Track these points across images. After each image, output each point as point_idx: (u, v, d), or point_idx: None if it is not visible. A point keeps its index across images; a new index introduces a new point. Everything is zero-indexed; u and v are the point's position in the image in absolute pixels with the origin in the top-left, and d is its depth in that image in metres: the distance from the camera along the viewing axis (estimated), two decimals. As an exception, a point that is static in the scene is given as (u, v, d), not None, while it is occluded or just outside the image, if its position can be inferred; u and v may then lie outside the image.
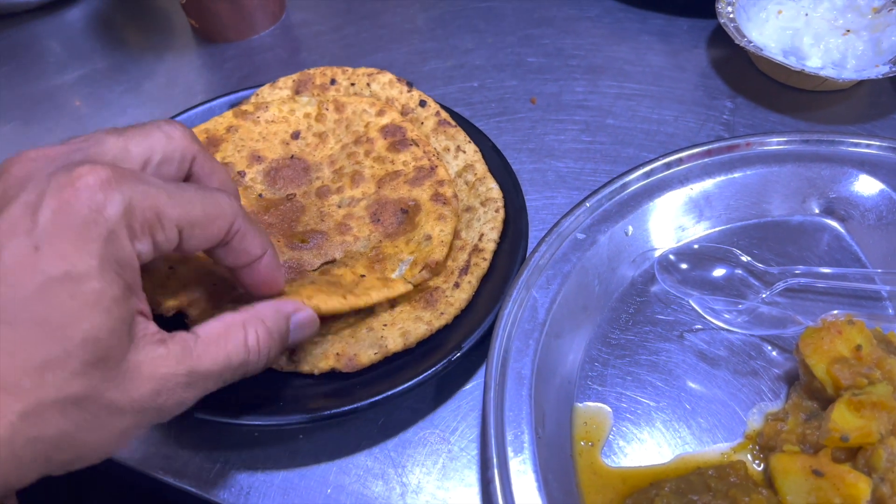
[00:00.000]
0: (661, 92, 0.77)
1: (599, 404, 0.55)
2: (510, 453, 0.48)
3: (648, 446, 0.52)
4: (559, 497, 0.48)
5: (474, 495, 0.51)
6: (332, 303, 0.48)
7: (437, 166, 0.64)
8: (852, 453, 0.48)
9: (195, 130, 0.67)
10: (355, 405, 0.49)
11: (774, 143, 0.65)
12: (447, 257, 0.58)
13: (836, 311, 0.55)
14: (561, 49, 0.83)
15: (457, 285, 0.56)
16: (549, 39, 0.84)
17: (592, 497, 0.50)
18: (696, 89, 0.77)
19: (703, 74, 0.79)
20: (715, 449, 0.52)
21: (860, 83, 0.76)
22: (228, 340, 0.40)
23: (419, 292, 0.56)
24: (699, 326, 0.58)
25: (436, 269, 0.56)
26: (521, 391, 0.52)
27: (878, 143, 0.64)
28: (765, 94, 0.76)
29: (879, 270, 0.59)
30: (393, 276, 0.55)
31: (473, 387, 0.56)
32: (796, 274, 0.59)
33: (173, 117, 0.70)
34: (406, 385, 0.49)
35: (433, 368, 0.50)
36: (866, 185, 0.63)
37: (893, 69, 0.69)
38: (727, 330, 0.58)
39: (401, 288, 0.54)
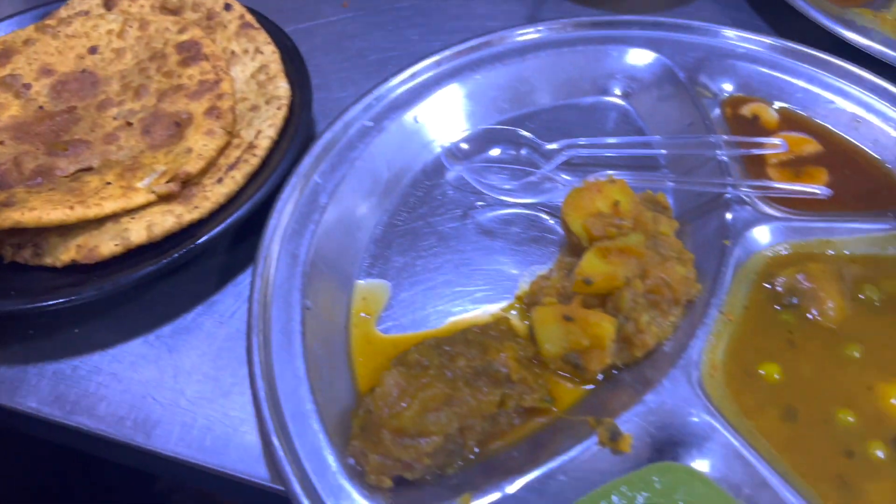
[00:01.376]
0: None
1: (380, 280, 0.56)
2: (273, 325, 0.49)
3: (425, 314, 0.54)
4: (325, 362, 0.49)
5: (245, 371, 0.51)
6: (57, 214, 0.48)
7: (221, 80, 0.63)
8: (602, 299, 0.50)
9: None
10: (82, 294, 0.49)
11: (565, 30, 0.66)
12: (207, 169, 0.57)
13: (608, 173, 0.57)
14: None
15: (220, 181, 0.56)
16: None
17: (365, 362, 0.51)
18: (507, -11, 0.79)
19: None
20: (487, 311, 0.54)
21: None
22: None
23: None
24: (481, 203, 0.59)
25: (187, 180, 0.56)
26: (293, 269, 0.53)
27: (661, 22, 0.66)
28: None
29: (657, 137, 0.61)
30: (140, 185, 0.55)
31: (257, 272, 0.57)
32: (574, 146, 0.60)
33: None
34: (141, 274, 0.50)
35: (171, 257, 0.51)
36: (648, 63, 0.65)
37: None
38: (507, 204, 0.59)
39: (140, 199, 0.53)
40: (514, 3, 0.77)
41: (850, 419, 0.46)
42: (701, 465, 0.45)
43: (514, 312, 0.53)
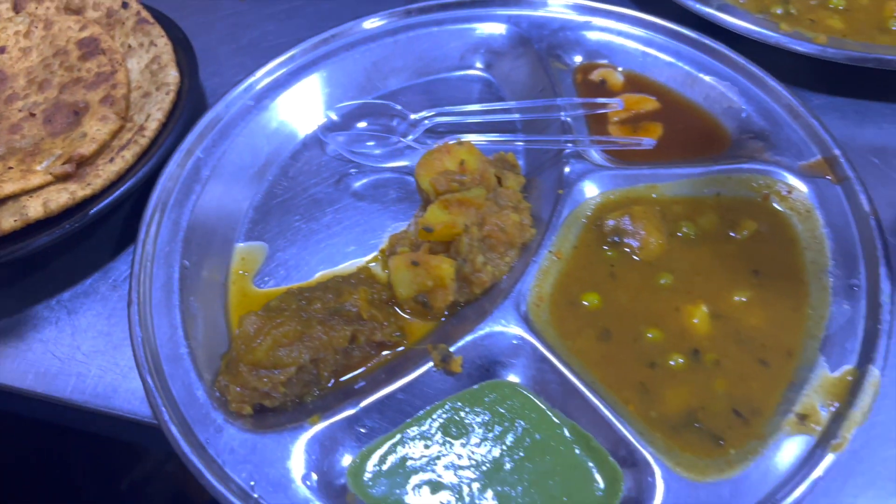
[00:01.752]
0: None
1: (258, 242, 0.62)
2: (154, 282, 0.55)
3: (299, 270, 0.60)
4: (202, 314, 0.56)
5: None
6: None
7: (117, 71, 0.69)
8: (447, 246, 0.57)
9: None
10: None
11: (436, 8, 0.73)
12: (100, 151, 0.63)
13: (460, 137, 0.63)
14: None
15: (111, 160, 0.62)
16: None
17: (241, 313, 0.57)
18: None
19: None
20: (354, 264, 0.60)
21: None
22: None
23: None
24: (355, 170, 0.66)
25: (81, 161, 0.61)
26: (175, 234, 0.59)
27: (523, 0, 0.72)
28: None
29: (513, 103, 0.67)
30: (38, 168, 0.61)
31: (151, 242, 0.63)
32: (438, 115, 0.67)
33: None
34: (37, 243, 0.55)
35: (63, 228, 0.56)
36: (508, 37, 0.72)
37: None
38: (378, 169, 0.65)
39: (37, 180, 0.59)
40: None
41: (656, 336, 0.53)
42: (523, 380, 0.51)
43: (376, 264, 0.60)
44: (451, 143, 0.61)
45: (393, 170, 0.65)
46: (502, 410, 0.50)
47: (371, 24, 0.71)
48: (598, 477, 0.47)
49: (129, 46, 0.73)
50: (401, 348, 0.55)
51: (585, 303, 0.55)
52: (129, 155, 0.63)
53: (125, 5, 0.76)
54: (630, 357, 0.52)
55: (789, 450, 0.46)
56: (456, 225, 0.56)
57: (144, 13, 0.75)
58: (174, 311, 0.54)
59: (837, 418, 0.47)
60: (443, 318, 0.56)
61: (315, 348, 0.51)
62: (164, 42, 0.72)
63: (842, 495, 0.48)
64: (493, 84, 0.72)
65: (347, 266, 0.60)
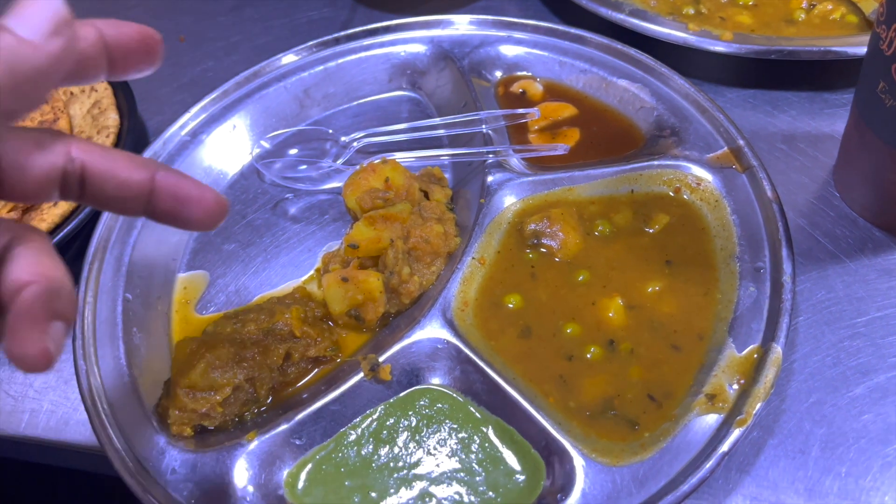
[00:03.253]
0: (293, 10, 0.88)
1: (200, 271, 0.64)
2: (98, 316, 0.58)
3: (239, 295, 0.63)
4: (145, 343, 0.58)
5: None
6: None
7: (59, 118, 0.72)
8: (375, 261, 0.59)
9: None
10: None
11: (362, 35, 0.76)
12: None
13: (385, 155, 0.66)
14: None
15: (55, 204, 0.64)
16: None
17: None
18: (324, 7, 0.88)
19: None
20: (291, 285, 0.63)
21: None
22: None
23: None
24: (290, 196, 0.69)
25: (26, 207, 0.64)
26: (118, 271, 0.61)
27: (440, 20, 0.75)
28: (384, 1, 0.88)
29: (437, 119, 0.71)
30: None
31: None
32: (366, 136, 0.70)
33: None
34: None
35: None
36: (431, 57, 0.75)
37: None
38: (313, 193, 0.68)
39: None
40: (330, 11, 0.87)
41: (574, 330, 0.55)
42: (450, 382, 0.54)
43: (312, 283, 0.62)
44: (375, 162, 0.64)
45: (327, 192, 0.68)
46: (431, 413, 0.53)
47: (300, 54, 0.75)
48: (520, 469, 0.50)
49: (72, 93, 0.76)
50: (338, 361, 0.57)
51: (509, 304, 0.58)
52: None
53: (66, 54, 0.79)
54: (549, 351, 0.55)
55: (699, 428, 0.49)
56: (381, 239, 0.59)
57: (85, 60, 0.78)
58: (117, 342, 0.57)
59: (743, 395, 0.49)
60: (376, 330, 0.59)
61: (250, 368, 0.54)
62: (105, 87, 0.75)
63: (754, 468, 0.50)
64: (420, 102, 0.75)
65: (285, 287, 0.62)
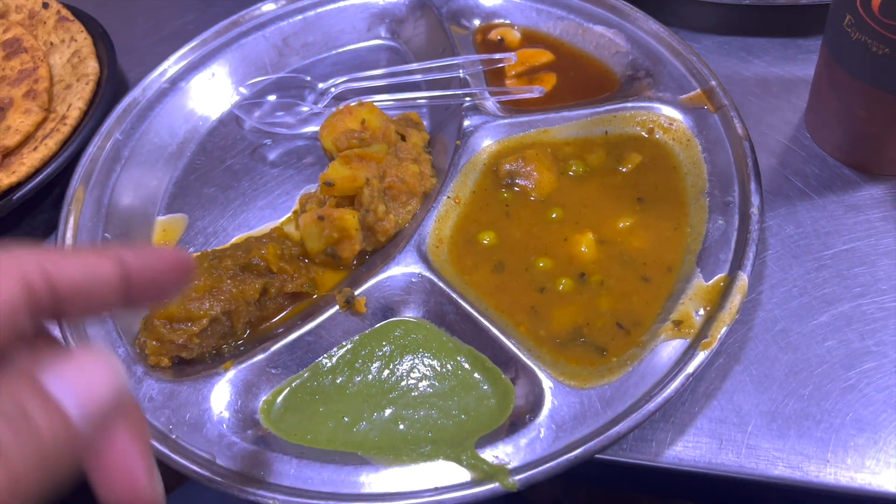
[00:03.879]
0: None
1: (179, 214, 0.65)
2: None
3: (217, 237, 0.63)
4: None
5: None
6: None
7: (38, 67, 0.73)
8: (351, 200, 0.60)
9: None
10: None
11: (342, -14, 0.76)
12: (25, 140, 0.66)
13: (362, 98, 0.66)
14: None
15: (35, 149, 0.65)
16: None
17: (163, 280, 0.60)
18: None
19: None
20: (268, 226, 0.63)
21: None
22: None
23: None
24: (269, 141, 0.69)
25: (6, 152, 0.65)
26: (98, 212, 0.62)
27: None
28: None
29: (414, 65, 0.71)
30: None
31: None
32: (344, 81, 0.70)
33: None
34: None
35: None
36: (408, 5, 0.75)
37: None
38: (291, 138, 0.69)
39: None
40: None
41: (547, 265, 0.56)
42: (424, 314, 0.55)
43: (290, 225, 0.63)
44: (352, 104, 0.65)
45: (305, 137, 0.69)
46: (405, 343, 0.54)
47: (279, 3, 0.75)
48: (492, 393, 0.51)
49: (52, 44, 0.76)
50: (315, 297, 0.58)
51: (483, 241, 0.58)
52: (51, 143, 0.66)
53: (45, 5, 0.79)
54: (522, 285, 0.56)
55: (665, 353, 0.50)
56: (356, 178, 0.59)
57: (64, 11, 0.78)
58: (96, 279, 0.57)
59: (709, 321, 0.50)
60: (352, 268, 0.59)
61: (226, 301, 0.54)
62: (84, 37, 0.75)
63: (720, 392, 0.51)
64: (399, 51, 0.75)
65: (263, 229, 0.63)
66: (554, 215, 0.59)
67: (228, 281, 0.55)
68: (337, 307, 0.55)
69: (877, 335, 0.53)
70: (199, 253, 0.60)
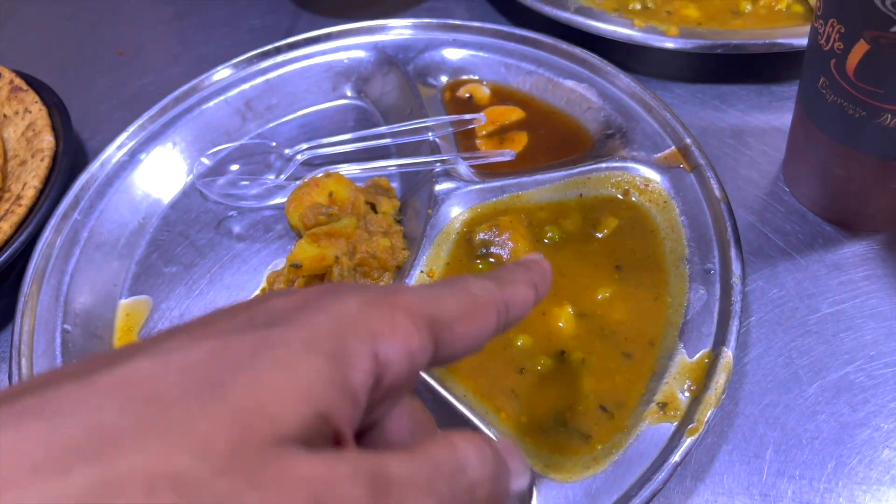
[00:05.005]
0: (235, 17, 0.86)
1: (143, 296, 0.63)
2: (35, 350, 0.56)
3: (183, 319, 0.61)
4: (85, 376, 0.56)
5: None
6: None
7: (-9, 143, 0.70)
8: (321, 279, 0.58)
9: None
10: None
11: (304, 43, 0.74)
12: None
13: (327, 168, 0.64)
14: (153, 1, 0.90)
15: (-10, 227, 0.62)
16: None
17: (127, 371, 0.58)
18: (266, 14, 0.86)
19: (274, -1, 0.88)
20: (236, 306, 0.61)
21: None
22: None
23: None
24: (233, 213, 0.67)
25: None
26: (56, 300, 0.59)
27: (383, 25, 0.74)
28: (325, 4, 0.86)
29: (383, 128, 0.69)
30: None
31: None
32: (310, 147, 0.68)
33: None
34: None
35: None
36: (375, 63, 0.73)
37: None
38: (256, 210, 0.66)
39: None
40: (273, 18, 0.85)
41: (525, 342, 0.54)
42: (399, 402, 0.53)
43: (259, 303, 0.61)
44: (318, 176, 0.63)
45: (272, 208, 0.66)
46: (381, 434, 0.52)
47: (240, 66, 0.73)
48: (473, 488, 0.49)
49: (5, 116, 0.74)
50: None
51: (458, 318, 0.56)
52: (6, 226, 0.63)
53: (-2, 74, 0.76)
54: (501, 365, 0.54)
55: (652, 438, 0.48)
56: (325, 257, 0.57)
57: (18, 81, 0.75)
58: (55, 377, 0.55)
59: (694, 403, 0.49)
60: (325, 350, 0.57)
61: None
62: (39, 108, 0.73)
63: (709, 475, 0.50)
64: (367, 110, 0.73)
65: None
66: (531, 288, 0.57)
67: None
68: (309, 398, 0.52)
69: (868, 405, 0.51)
70: (163, 342, 0.58)
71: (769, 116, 0.69)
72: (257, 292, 0.61)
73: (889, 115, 0.50)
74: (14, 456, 0.19)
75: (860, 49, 0.48)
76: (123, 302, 0.62)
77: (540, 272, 0.36)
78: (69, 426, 0.20)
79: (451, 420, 0.51)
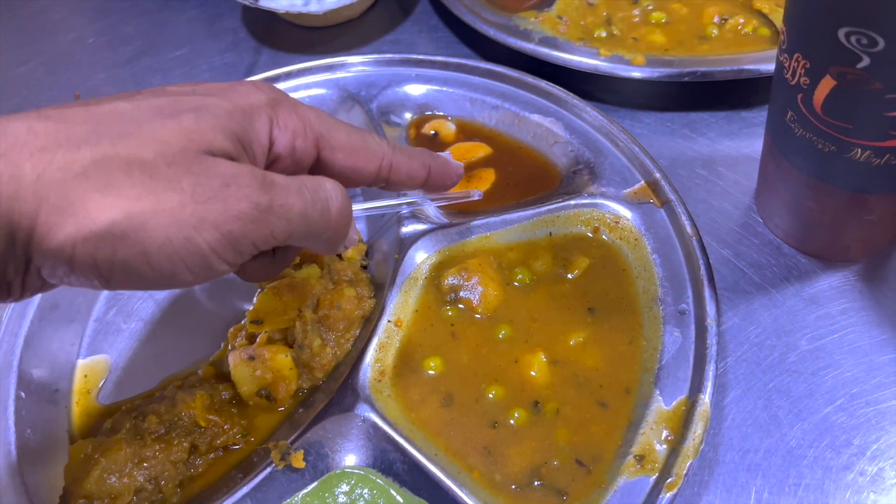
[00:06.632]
0: (194, 57, 0.84)
1: (101, 355, 0.60)
2: (-14, 421, 0.53)
3: (144, 378, 0.58)
4: (40, 444, 0.54)
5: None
6: None
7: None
8: (284, 332, 0.56)
9: None
10: None
11: (282, 80, 0.72)
12: None
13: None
14: (110, 41, 0.88)
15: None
16: (94, 38, 0.89)
17: (84, 435, 0.55)
18: (227, 51, 0.84)
19: (235, 34, 0.85)
20: (199, 363, 0.59)
21: (369, 10, 0.84)
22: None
23: None
24: (195, 262, 0.64)
25: None
26: (9, 366, 0.57)
27: (344, 62, 0.72)
28: (287, 39, 0.84)
29: (347, 171, 0.67)
30: None
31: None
32: (271, 194, 0.66)
33: None
34: None
35: None
36: (336, 101, 0.71)
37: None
38: (219, 258, 0.64)
39: None
40: (233, 56, 0.83)
41: (498, 393, 0.53)
42: (369, 462, 0.51)
43: (223, 361, 0.58)
44: (280, 225, 0.60)
45: (234, 256, 0.64)
46: (349, 502, 0.50)
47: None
48: (447, 554, 0.47)
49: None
50: (251, 440, 0.53)
51: (429, 369, 0.54)
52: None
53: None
54: (473, 420, 0.52)
55: (630, 493, 0.46)
56: (287, 311, 0.55)
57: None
58: (10, 448, 0.52)
59: (672, 454, 0.47)
60: (290, 406, 0.55)
61: (151, 467, 0.50)
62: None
63: (690, 527, 0.48)
64: (331, 150, 0.71)
65: (193, 367, 0.58)
66: (502, 334, 0.55)
67: (154, 444, 0.50)
68: (271, 464, 0.50)
69: (850, 447, 0.50)
70: (118, 407, 0.55)
71: (739, 143, 0.68)
72: (221, 348, 0.59)
73: (859, 150, 0.48)
74: (29, 136, 0.31)
75: (827, 84, 0.47)
76: (82, 362, 0.60)
77: (441, 164, 0.49)
78: (74, 125, 0.32)
79: (424, 483, 0.49)
